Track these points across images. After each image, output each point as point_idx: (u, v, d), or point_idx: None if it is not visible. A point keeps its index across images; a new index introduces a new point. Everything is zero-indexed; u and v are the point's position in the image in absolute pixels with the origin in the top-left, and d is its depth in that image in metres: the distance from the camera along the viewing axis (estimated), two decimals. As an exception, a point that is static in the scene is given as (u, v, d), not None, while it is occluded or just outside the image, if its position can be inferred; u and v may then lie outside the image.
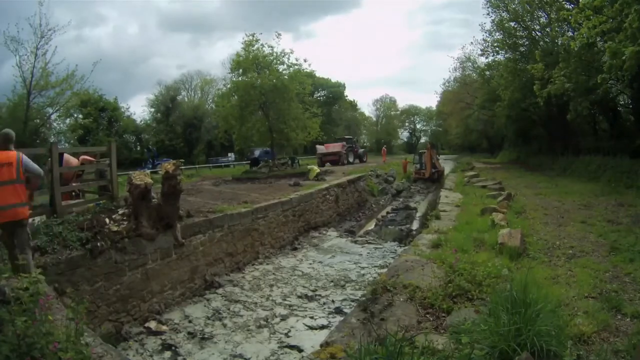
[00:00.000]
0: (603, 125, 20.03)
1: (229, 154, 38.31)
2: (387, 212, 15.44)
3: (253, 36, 20.47)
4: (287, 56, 20.62)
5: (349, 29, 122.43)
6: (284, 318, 6.09)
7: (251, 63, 20.15)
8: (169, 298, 6.57)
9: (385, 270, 6.33)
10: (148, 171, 10.25)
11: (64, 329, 3.02)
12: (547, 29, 19.57)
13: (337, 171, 19.64)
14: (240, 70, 20.87)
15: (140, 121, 43.50)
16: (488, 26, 23.64)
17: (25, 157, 4.08)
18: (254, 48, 20.35)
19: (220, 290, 7.23)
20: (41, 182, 5.50)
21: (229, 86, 22.89)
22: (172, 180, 6.56)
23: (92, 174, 8.34)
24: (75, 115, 32.95)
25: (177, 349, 5.28)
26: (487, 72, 28.06)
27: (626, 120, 18.34)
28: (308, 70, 22.88)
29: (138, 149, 41.47)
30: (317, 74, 40.06)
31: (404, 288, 4.58)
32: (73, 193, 7.73)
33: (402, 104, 77.65)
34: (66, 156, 7.56)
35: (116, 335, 5.46)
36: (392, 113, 75.29)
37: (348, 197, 15.25)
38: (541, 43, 19.92)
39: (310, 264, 8.85)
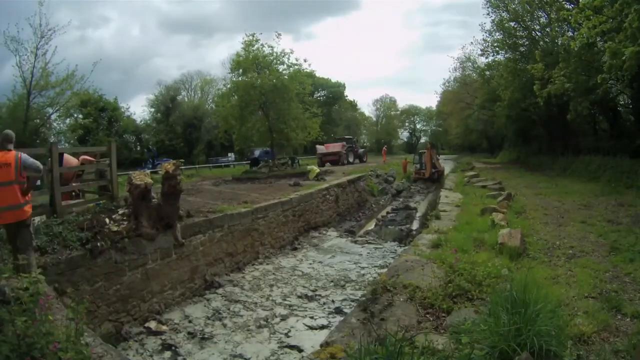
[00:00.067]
0: (603, 125, 20.01)
1: (229, 154, 38.28)
2: (387, 212, 15.43)
3: (253, 36, 20.49)
4: (287, 56, 20.66)
5: (348, 31, 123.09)
6: (284, 318, 6.09)
7: (251, 63, 20.13)
8: (169, 298, 6.56)
9: (385, 270, 6.33)
10: (148, 171, 10.24)
11: (64, 329, 3.01)
12: (547, 29, 19.57)
13: (337, 171, 19.62)
14: (240, 70, 20.85)
15: (140, 121, 43.63)
16: (488, 26, 23.71)
17: (24, 155, 4.08)
18: (254, 48, 20.34)
19: (220, 290, 7.22)
20: (41, 182, 5.50)
21: (229, 86, 22.90)
22: (172, 180, 6.57)
23: (92, 174, 8.33)
24: (75, 115, 32.97)
25: (177, 349, 5.28)
26: (487, 72, 28.05)
27: (626, 120, 18.33)
28: (308, 70, 22.91)
29: (138, 149, 41.46)
30: (317, 74, 40.13)
31: (404, 288, 4.58)
32: (73, 193, 7.73)
33: (402, 104, 77.84)
34: (66, 156, 7.57)
35: (116, 335, 5.46)
36: (392, 113, 75.26)
37: (348, 197, 15.25)
38: (541, 43, 19.92)
39: (310, 264, 8.85)
